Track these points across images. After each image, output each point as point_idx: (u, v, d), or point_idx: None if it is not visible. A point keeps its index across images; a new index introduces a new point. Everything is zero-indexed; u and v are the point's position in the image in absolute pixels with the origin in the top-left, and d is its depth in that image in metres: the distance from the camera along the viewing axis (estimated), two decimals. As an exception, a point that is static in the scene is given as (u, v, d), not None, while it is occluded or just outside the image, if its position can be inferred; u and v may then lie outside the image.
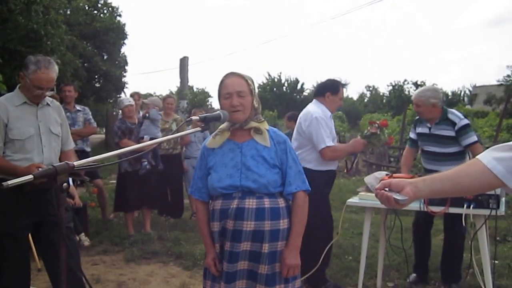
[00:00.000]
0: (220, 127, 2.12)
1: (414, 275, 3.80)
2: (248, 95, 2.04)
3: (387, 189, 1.36)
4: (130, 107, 5.27)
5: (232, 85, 2.03)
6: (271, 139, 2.08)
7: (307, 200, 2.11)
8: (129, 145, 4.80)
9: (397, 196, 1.32)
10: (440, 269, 3.69)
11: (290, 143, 2.14)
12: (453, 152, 3.53)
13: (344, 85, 3.74)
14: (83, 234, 4.88)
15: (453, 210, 3.06)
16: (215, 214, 2.06)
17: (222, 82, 2.08)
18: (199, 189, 2.16)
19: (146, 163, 5.11)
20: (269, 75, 28.99)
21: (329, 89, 3.63)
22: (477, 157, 1.29)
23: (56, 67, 2.70)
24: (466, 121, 3.53)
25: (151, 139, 5.07)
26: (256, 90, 2.14)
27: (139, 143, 4.99)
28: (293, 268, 2.03)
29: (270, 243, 2.00)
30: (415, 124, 3.88)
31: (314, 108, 3.62)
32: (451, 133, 3.51)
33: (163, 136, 5.43)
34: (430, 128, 3.61)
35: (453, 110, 3.68)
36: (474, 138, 3.49)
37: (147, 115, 5.34)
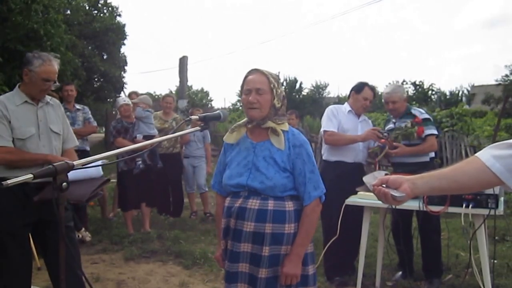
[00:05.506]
0: (238, 123, 2.11)
1: (400, 273, 3.89)
2: (268, 93, 2.00)
3: (384, 185, 1.36)
4: (125, 106, 5.27)
5: (253, 82, 2.01)
6: (287, 142, 2.01)
7: (318, 210, 2.04)
8: (124, 143, 4.84)
9: (395, 193, 1.32)
10: (422, 265, 3.78)
11: (308, 147, 2.04)
12: (415, 144, 3.69)
13: (370, 87, 3.88)
14: (83, 229, 4.88)
15: (452, 209, 3.07)
16: (224, 211, 2.09)
17: (245, 77, 2.06)
18: (219, 183, 2.17)
19: (140, 162, 5.10)
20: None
21: (354, 89, 3.88)
22: (475, 154, 1.28)
23: (57, 61, 2.72)
24: (427, 116, 3.76)
25: (145, 137, 5.07)
26: (281, 90, 2.07)
27: (133, 142, 5.00)
28: (290, 277, 1.96)
29: (271, 246, 1.95)
30: (385, 125, 4.13)
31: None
32: None
33: (160, 134, 5.44)
34: (395, 123, 3.83)
35: (417, 108, 3.96)
36: (432, 130, 3.70)
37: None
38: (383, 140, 3.61)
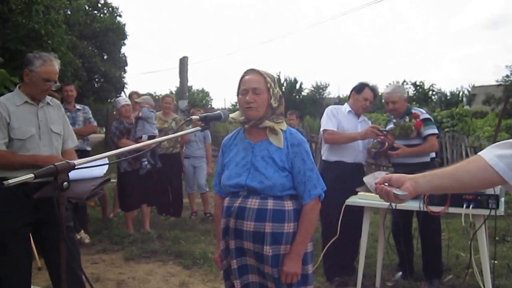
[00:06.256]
0: (235, 115, 2.10)
1: (400, 273, 3.89)
2: (264, 93, 2.01)
3: (387, 184, 1.36)
4: (126, 107, 5.28)
5: (250, 82, 2.02)
6: (285, 141, 2.02)
7: (318, 208, 2.04)
8: (128, 144, 4.81)
9: (397, 191, 1.32)
10: (422, 266, 3.78)
11: (306, 145, 2.05)
12: (415, 144, 3.70)
13: (371, 87, 3.87)
14: (82, 231, 4.88)
15: (452, 210, 3.07)
16: (223, 211, 2.09)
17: (241, 78, 2.07)
18: (218, 184, 2.19)
19: (146, 162, 5.11)
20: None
21: (354, 89, 3.88)
22: (478, 153, 1.27)
23: (57, 61, 2.72)
24: (427, 116, 3.77)
25: (149, 137, 5.07)
26: (277, 89, 2.07)
27: (137, 143, 4.99)
28: (291, 275, 1.96)
29: (272, 245, 1.95)
30: (385, 125, 4.14)
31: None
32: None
33: (161, 134, 5.44)
34: (395, 123, 3.81)
35: (418, 108, 3.97)
36: (433, 130, 3.70)
37: (139, 114, 5.34)
38: (382, 137, 3.61)
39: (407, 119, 3.68)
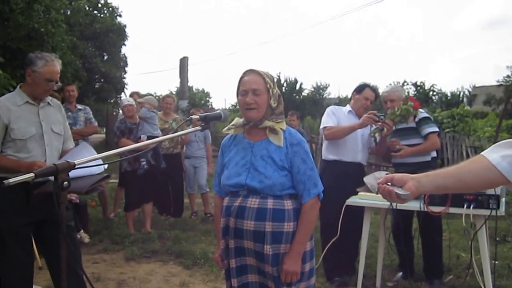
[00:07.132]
0: (234, 122, 2.11)
1: (400, 273, 3.89)
2: (264, 94, 2.01)
3: (389, 183, 1.36)
4: (129, 107, 5.28)
5: (249, 83, 2.02)
6: (284, 140, 2.03)
7: (317, 207, 2.04)
8: (127, 144, 4.82)
9: (399, 191, 1.31)
10: (423, 266, 3.77)
11: (305, 145, 2.06)
12: (415, 144, 3.71)
13: (372, 88, 3.87)
14: (82, 231, 4.89)
15: (453, 210, 3.07)
16: (222, 210, 2.09)
17: (241, 78, 2.07)
18: (218, 184, 2.19)
19: (144, 162, 5.11)
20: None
21: (355, 89, 3.91)
22: (481, 153, 1.27)
23: (59, 61, 2.73)
24: (426, 115, 3.79)
25: (149, 137, 5.07)
26: (276, 89, 2.08)
27: (137, 143, 5.00)
28: (291, 274, 1.97)
29: (272, 244, 1.95)
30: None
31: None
32: (412, 125, 3.74)
33: (162, 135, 5.44)
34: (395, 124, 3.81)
35: None
36: (433, 128, 3.71)
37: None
38: (380, 123, 3.60)
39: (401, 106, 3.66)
